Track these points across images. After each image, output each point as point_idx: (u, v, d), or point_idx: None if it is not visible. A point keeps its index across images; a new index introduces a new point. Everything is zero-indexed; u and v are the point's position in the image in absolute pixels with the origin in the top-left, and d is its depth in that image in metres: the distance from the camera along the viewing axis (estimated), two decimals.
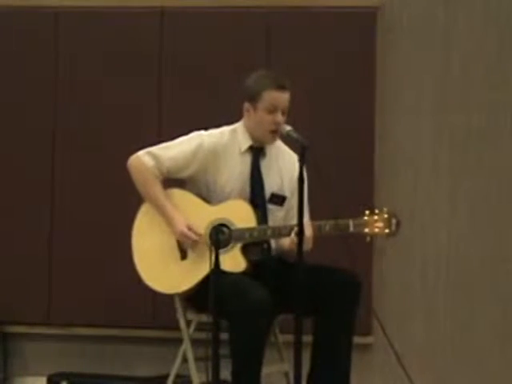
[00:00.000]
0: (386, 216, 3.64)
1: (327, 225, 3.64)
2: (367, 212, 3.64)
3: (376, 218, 3.64)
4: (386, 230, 3.64)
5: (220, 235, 3.34)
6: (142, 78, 4.91)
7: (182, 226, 3.70)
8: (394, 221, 3.64)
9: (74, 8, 4.95)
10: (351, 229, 3.62)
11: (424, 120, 4.92)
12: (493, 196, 4.88)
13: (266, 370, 3.57)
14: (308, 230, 3.57)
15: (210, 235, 3.44)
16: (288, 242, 3.62)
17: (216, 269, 3.29)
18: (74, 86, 4.94)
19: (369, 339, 4.76)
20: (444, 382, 4.86)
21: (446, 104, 4.91)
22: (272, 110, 3.70)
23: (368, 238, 3.65)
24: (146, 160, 3.77)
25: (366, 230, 3.63)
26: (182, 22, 4.92)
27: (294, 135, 3.45)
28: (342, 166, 4.75)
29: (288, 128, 3.55)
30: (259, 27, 4.88)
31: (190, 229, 3.69)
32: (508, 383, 4.81)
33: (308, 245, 3.57)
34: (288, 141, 3.73)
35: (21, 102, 4.96)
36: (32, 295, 4.89)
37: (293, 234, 3.54)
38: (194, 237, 3.69)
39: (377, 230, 3.63)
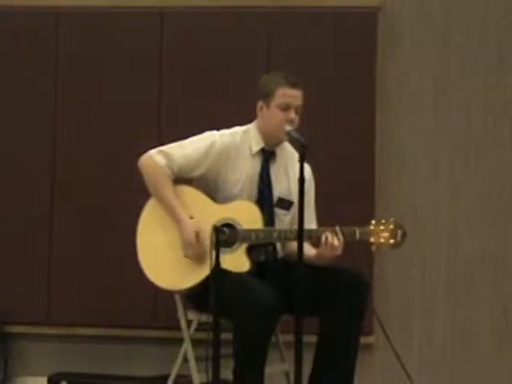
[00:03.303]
0: (392, 227, 3.65)
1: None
2: (373, 221, 3.66)
3: (382, 227, 3.65)
4: (391, 241, 3.65)
5: (220, 235, 3.33)
6: (143, 78, 4.91)
7: (191, 234, 3.65)
8: (399, 232, 3.65)
9: (75, 8, 4.95)
10: (357, 237, 3.64)
11: (424, 120, 4.93)
12: (493, 196, 4.89)
13: (266, 370, 3.56)
14: (341, 235, 3.60)
15: (211, 235, 3.43)
16: (321, 250, 3.62)
17: (216, 269, 3.28)
18: (74, 86, 4.94)
19: (369, 339, 4.75)
20: (444, 382, 4.86)
21: (446, 104, 4.92)
22: (285, 108, 3.68)
23: (373, 247, 3.66)
24: (158, 159, 3.73)
25: (372, 239, 3.64)
26: (183, 22, 4.92)
27: (295, 135, 3.45)
28: (342, 166, 4.75)
29: (289, 128, 3.55)
30: (260, 28, 4.88)
31: (197, 236, 3.65)
32: (508, 383, 4.82)
33: (339, 249, 3.60)
34: (289, 140, 3.73)
35: (21, 102, 4.96)
36: (32, 295, 4.88)
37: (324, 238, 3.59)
38: (198, 248, 3.66)
39: (382, 240, 3.65)
